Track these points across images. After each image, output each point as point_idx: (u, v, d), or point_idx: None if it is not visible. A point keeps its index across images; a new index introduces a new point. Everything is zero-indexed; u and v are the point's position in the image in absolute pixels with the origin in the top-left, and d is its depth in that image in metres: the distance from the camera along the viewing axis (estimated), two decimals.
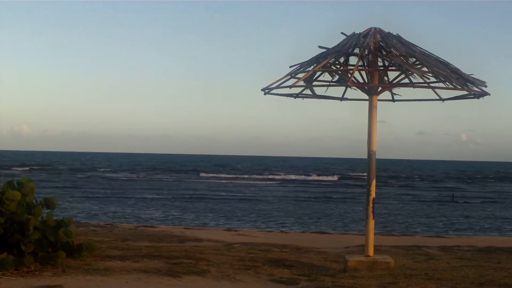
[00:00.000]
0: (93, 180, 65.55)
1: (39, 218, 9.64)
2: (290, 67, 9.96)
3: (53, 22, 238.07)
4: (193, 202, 39.45)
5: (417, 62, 9.54)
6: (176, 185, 59.42)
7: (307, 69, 9.68)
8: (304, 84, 9.84)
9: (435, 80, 9.66)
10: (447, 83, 9.43)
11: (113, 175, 78.63)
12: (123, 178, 72.16)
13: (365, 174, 9.96)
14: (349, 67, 9.76)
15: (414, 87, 9.69)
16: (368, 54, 9.59)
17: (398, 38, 9.70)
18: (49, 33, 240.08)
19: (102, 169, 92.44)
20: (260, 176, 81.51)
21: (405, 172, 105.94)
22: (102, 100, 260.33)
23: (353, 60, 9.73)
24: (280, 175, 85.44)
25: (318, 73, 9.83)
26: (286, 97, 10.47)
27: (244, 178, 76.57)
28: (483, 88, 9.65)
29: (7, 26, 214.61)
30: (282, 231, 21.11)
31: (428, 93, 9.93)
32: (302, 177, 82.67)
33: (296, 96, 10.42)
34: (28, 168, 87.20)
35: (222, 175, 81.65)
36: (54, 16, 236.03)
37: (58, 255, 9.23)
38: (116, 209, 32.98)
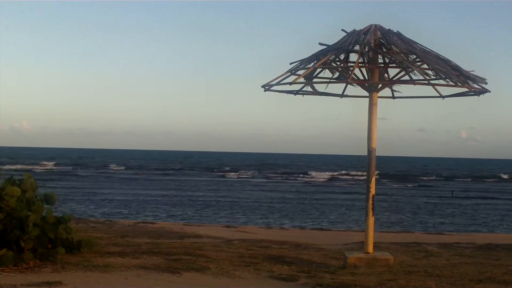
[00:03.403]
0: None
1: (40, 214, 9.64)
2: (291, 64, 9.95)
3: (53, 19, 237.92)
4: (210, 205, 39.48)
5: (417, 59, 9.53)
6: (203, 185, 59.42)
7: (308, 66, 9.66)
8: (305, 81, 9.82)
9: (436, 77, 9.63)
10: (447, 80, 9.39)
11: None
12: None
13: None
14: (349, 64, 9.75)
15: (414, 84, 9.67)
16: (368, 51, 9.58)
17: (398, 35, 9.68)
18: (49, 31, 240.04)
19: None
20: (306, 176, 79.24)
21: (404, 169, 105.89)
22: (103, 97, 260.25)
23: (353, 57, 9.72)
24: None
25: (319, 70, 9.81)
26: (286, 94, 10.45)
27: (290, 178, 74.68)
28: (484, 85, 9.64)
29: (7, 24, 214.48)
30: (282, 228, 21.11)
31: (428, 90, 9.92)
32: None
33: (296, 92, 10.40)
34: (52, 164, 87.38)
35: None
36: (54, 14, 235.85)
37: (57, 251, 9.23)
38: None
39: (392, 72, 10.00)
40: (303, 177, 76.84)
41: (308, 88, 10.21)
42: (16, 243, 8.94)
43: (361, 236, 12.22)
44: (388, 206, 36.42)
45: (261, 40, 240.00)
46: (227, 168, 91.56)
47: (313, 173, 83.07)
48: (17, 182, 9.59)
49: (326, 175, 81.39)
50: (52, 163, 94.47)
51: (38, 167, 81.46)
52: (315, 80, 9.99)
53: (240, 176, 75.70)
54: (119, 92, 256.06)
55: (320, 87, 10.18)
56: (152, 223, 19.50)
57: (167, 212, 30.83)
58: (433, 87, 9.61)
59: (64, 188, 44.98)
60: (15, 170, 63.72)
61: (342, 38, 9.76)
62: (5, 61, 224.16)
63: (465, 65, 9.69)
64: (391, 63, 9.72)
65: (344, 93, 10.65)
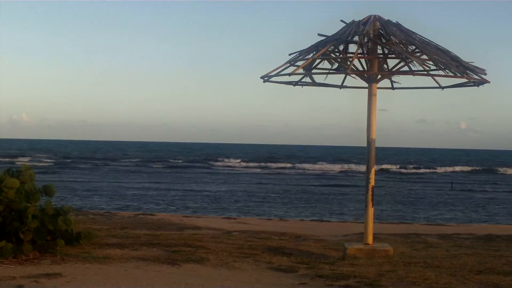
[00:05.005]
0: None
1: (38, 206, 9.64)
2: (290, 54, 9.93)
3: (52, 12, 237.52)
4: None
5: (416, 50, 9.51)
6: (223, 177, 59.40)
7: (307, 57, 9.65)
8: (304, 72, 9.81)
9: (435, 68, 9.63)
10: (446, 70, 9.40)
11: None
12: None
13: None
14: (348, 55, 9.73)
15: (413, 75, 9.67)
16: (367, 42, 9.56)
17: (397, 25, 9.66)
18: (49, 23, 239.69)
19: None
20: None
21: (404, 160, 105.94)
22: (102, 89, 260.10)
23: (352, 48, 9.71)
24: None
25: (318, 60, 9.80)
26: (285, 85, 10.45)
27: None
28: (483, 76, 9.63)
29: (7, 18, 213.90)
30: (281, 219, 21.11)
31: (428, 81, 9.92)
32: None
33: (295, 83, 10.39)
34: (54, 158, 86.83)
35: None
36: (53, 6, 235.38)
37: (57, 243, 9.23)
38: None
39: (392, 63, 10.01)
40: (302, 168, 76.81)
41: (307, 79, 10.20)
42: (15, 235, 8.95)
43: (361, 227, 12.23)
44: (387, 197, 36.44)
45: (260, 31, 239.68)
46: (226, 160, 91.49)
47: (312, 165, 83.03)
48: (16, 173, 9.58)
49: (325, 166, 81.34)
50: (51, 155, 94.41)
51: (37, 160, 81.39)
52: (314, 71, 9.97)
53: (238, 167, 75.68)
54: (117, 85, 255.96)
55: (319, 78, 10.18)
56: (152, 214, 19.50)
57: (166, 203, 30.83)
58: (433, 78, 9.61)
59: (63, 181, 44.96)
60: (14, 162, 63.73)
61: (341, 29, 9.74)
62: (4, 54, 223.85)
63: (464, 56, 9.70)
64: (390, 54, 9.71)
65: (344, 84, 10.64)
